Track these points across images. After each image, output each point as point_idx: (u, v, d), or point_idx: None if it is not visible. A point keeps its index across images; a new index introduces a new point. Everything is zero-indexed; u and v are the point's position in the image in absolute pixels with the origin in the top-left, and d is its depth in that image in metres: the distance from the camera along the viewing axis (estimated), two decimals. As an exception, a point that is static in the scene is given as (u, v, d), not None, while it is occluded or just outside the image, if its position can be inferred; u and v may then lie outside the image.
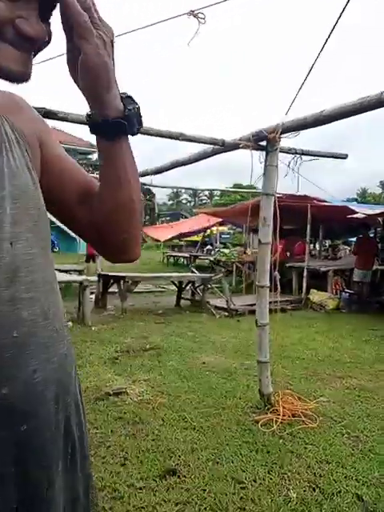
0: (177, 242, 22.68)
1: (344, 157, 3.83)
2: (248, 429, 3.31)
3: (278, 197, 11.17)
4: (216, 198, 49.31)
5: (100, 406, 3.58)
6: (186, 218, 26.56)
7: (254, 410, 3.64)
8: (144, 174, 6.55)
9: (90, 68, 0.66)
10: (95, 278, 7.68)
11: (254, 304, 8.75)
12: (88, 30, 0.64)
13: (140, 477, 2.65)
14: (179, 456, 2.88)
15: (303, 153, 3.56)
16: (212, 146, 3.76)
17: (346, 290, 9.75)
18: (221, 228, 20.05)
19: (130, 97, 0.74)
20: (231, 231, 23.12)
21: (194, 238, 20.59)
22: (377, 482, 2.68)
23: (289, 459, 2.90)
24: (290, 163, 3.53)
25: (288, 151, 3.55)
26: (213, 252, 17.20)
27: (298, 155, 3.54)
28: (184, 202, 60.05)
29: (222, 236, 21.34)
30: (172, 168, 4.77)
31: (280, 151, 3.51)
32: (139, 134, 0.77)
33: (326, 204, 10.49)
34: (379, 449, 3.09)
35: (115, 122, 0.71)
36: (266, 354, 3.65)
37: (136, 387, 3.98)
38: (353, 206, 11.14)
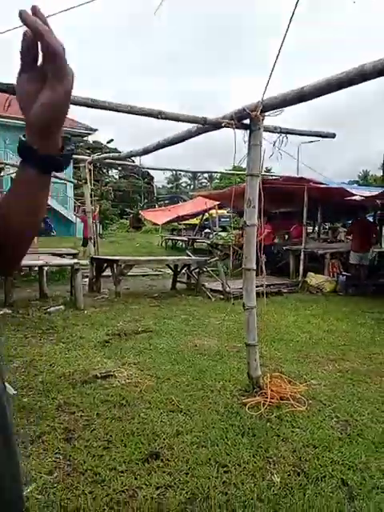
0: (176, 226, 22.53)
1: (332, 136, 3.71)
2: (235, 412, 3.27)
3: (274, 179, 11.03)
4: (216, 180, 48.85)
5: (86, 389, 3.53)
6: (184, 201, 26.29)
7: (243, 393, 3.60)
8: (129, 155, 6.44)
9: (56, 107, 0.68)
10: (87, 262, 7.61)
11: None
12: (64, 72, 0.66)
13: (123, 460, 2.61)
14: (164, 439, 2.85)
15: (288, 131, 3.45)
16: (196, 125, 3.65)
17: (343, 273, 9.66)
18: (220, 211, 19.85)
19: (68, 138, 0.78)
20: (231, 214, 22.94)
21: (193, 221, 20.42)
22: (363, 466, 2.64)
23: (275, 443, 2.86)
24: (274, 142, 3.41)
25: (272, 130, 3.44)
26: (211, 235, 17.08)
27: (282, 134, 3.41)
28: (183, 185, 59.46)
29: (222, 219, 21.14)
30: (158, 148, 4.68)
31: (264, 130, 3.40)
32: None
33: (322, 186, 10.31)
34: (368, 433, 3.05)
35: (54, 158, 0.73)
36: (254, 337, 3.59)
37: (125, 370, 3.93)
38: (350, 187, 10.96)
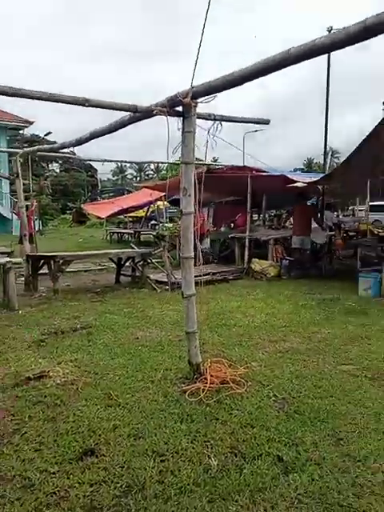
0: (122, 219, 22.16)
1: (266, 122, 3.73)
2: (175, 400, 3.23)
3: (218, 168, 11.05)
4: (163, 171, 48.54)
5: (18, 391, 3.35)
6: (130, 193, 25.89)
7: (184, 380, 3.57)
8: (62, 147, 6.18)
9: None
10: (20, 260, 7.25)
11: (196, 276, 8.84)
12: None
13: (55, 461, 2.49)
14: (100, 435, 2.75)
15: (222, 118, 3.42)
16: (128, 113, 3.53)
17: (286, 258, 9.92)
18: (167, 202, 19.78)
19: None
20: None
21: (140, 213, 20.17)
22: (298, 441, 2.69)
23: (213, 427, 2.85)
24: (209, 130, 3.38)
25: (206, 117, 3.40)
26: (157, 227, 16.98)
27: (217, 121, 3.38)
28: (129, 177, 58.67)
29: (169, 210, 21.07)
30: (91, 138, 4.51)
31: (198, 117, 3.35)
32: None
33: (264, 174, 10.52)
34: (304, 409, 3.12)
35: None
36: (194, 324, 3.56)
37: (61, 369, 3.77)
38: (291, 175, 11.24)
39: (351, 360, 4.16)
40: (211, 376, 3.44)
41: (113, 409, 3.11)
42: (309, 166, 50.84)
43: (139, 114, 3.59)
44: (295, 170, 30.58)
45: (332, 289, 7.81)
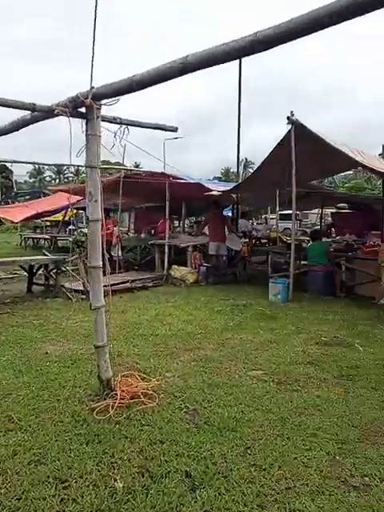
0: (39, 223, 21.09)
1: (173, 129, 3.73)
2: (82, 419, 3.08)
3: (135, 174, 10.91)
4: (83, 175, 47.17)
5: None
6: (47, 196, 24.76)
7: (93, 397, 3.43)
8: None
9: None
10: None
11: (118, 284, 8.64)
12: None
13: None
14: (-4, 465, 2.53)
15: (129, 123, 3.34)
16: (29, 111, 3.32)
17: (204, 264, 10.10)
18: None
19: None
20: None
21: (58, 217, 19.32)
22: (207, 454, 2.69)
23: (122, 446, 2.76)
24: (115, 133, 3.29)
25: (111, 120, 3.31)
26: (75, 232, 16.38)
27: (123, 125, 3.30)
28: (48, 179, 56.15)
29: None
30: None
31: (103, 120, 3.25)
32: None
33: (182, 181, 10.64)
34: (214, 419, 3.14)
35: None
36: (103, 338, 3.43)
37: None
38: (207, 183, 11.53)
39: (261, 365, 4.31)
40: (122, 391, 3.34)
41: (13, 433, 2.89)
42: (226, 175, 52.59)
43: (39, 114, 3.41)
44: (214, 178, 31.51)
45: (246, 294, 8.08)
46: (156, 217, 13.21)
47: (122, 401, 3.26)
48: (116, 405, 3.19)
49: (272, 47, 2.09)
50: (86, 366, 4.17)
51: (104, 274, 3.50)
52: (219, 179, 38.33)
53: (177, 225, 17.95)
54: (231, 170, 57.66)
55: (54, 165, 38.68)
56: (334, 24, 1.85)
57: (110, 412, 3.12)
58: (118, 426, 3.00)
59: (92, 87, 2.93)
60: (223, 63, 2.34)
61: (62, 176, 55.59)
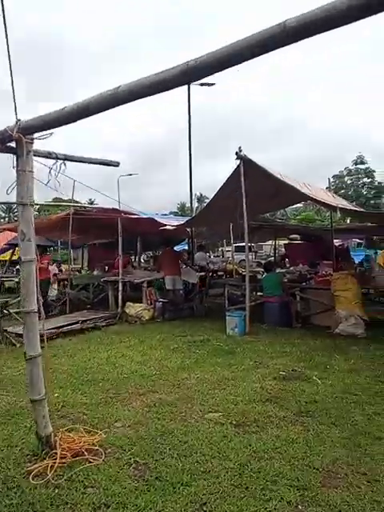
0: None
1: (115, 164, 3.59)
2: (15, 486, 2.71)
3: (87, 210, 10.69)
4: (35, 213, 46.13)
5: None
6: (-4, 235, 23.75)
7: (31, 458, 3.05)
8: None
9: None
10: None
11: (67, 325, 8.18)
12: None
13: None
14: None
15: (66, 158, 3.17)
16: None
17: (160, 300, 9.86)
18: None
19: None
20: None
21: (4, 256, 18.47)
22: (157, 515, 2.40)
23: (60, 516, 2.42)
24: (50, 169, 3.10)
25: (47, 155, 3.12)
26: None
27: (59, 160, 3.12)
28: (-3, 218, 54.42)
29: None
30: None
31: (37, 155, 3.06)
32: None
33: (133, 216, 10.54)
34: (166, 473, 2.86)
35: None
36: (40, 391, 3.10)
37: None
38: (160, 218, 11.51)
39: (218, 406, 4.07)
40: (63, 449, 2.99)
41: None
42: (182, 210, 53.20)
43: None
44: (170, 213, 31.76)
45: (203, 329, 7.87)
46: (109, 253, 12.92)
47: (62, 460, 2.91)
48: (56, 465, 2.84)
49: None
50: (25, 420, 3.76)
51: (39, 319, 3.21)
52: (176, 214, 38.70)
53: (134, 259, 17.70)
54: (187, 205, 58.53)
55: None
56: (256, 56, 1.81)
57: (49, 475, 2.77)
58: (57, 490, 2.65)
59: (18, 120, 2.73)
60: (163, 91, 2.24)
61: (12, 214, 54.02)
